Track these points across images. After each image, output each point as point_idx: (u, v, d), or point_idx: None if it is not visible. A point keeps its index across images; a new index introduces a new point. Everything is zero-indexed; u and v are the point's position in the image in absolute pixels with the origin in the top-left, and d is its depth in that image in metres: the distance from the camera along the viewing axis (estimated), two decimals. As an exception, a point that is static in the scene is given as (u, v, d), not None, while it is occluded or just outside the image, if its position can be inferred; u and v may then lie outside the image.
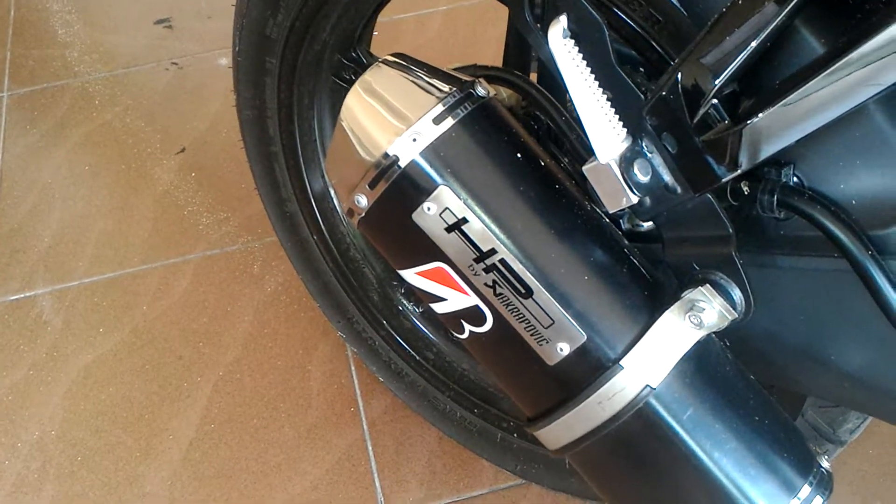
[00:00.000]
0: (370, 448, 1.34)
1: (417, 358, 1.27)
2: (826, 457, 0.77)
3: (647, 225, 0.79)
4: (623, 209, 0.71)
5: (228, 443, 1.35)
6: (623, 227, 0.81)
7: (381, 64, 0.75)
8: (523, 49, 0.91)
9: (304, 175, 1.18)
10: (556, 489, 1.23)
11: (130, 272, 1.56)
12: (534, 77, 0.88)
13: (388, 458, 1.33)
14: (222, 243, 1.60)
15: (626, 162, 0.66)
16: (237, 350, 1.45)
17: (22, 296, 1.53)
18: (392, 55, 0.76)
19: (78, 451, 1.35)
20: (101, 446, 1.35)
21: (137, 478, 1.32)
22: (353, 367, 1.43)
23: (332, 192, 1.17)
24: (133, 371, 1.44)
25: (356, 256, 1.25)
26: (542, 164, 0.73)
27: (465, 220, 0.70)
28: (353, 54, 1.04)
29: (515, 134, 0.73)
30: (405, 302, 1.26)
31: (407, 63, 0.75)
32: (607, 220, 0.75)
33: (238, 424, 1.37)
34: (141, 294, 1.53)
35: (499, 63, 0.92)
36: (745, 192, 0.70)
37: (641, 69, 0.76)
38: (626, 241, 0.76)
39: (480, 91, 0.73)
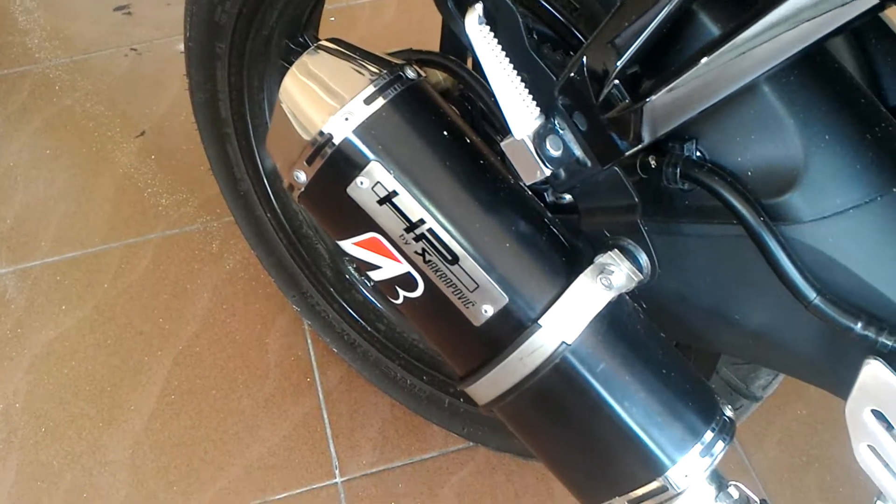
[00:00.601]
0: (325, 416, 1.40)
1: (369, 329, 1.33)
2: (733, 408, 0.85)
3: (568, 198, 0.85)
4: (539, 181, 0.78)
5: (189, 413, 1.40)
6: (547, 200, 0.87)
7: (317, 48, 0.81)
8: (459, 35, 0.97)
9: (256, 155, 1.23)
10: (500, 450, 1.30)
11: (92, 252, 1.61)
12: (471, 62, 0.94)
13: (343, 425, 1.39)
14: (181, 223, 1.64)
15: (540, 138, 0.72)
16: (196, 325, 1.51)
17: (-15, 275, 1.57)
18: (329, 40, 0.82)
19: (42, 422, 1.39)
20: (65, 418, 1.40)
21: (100, 447, 1.37)
22: (309, 341, 1.48)
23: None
24: (95, 346, 1.48)
25: (308, 233, 1.30)
26: (469, 141, 0.79)
27: (395, 193, 0.76)
28: (300, 39, 1.10)
29: (443, 114, 0.79)
30: (356, 276, 1.32)
31: (342, 47, 0.81)
32: (530, 193, 0.82)
33: (198, 395, 1.42)
34: (102, 272, 1.58)
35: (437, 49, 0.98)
36: (653, 166, 0.76)
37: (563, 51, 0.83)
38: (549, 213, 0.82)
39: (410, 74, 0.79)
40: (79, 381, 1.45)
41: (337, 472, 1.35)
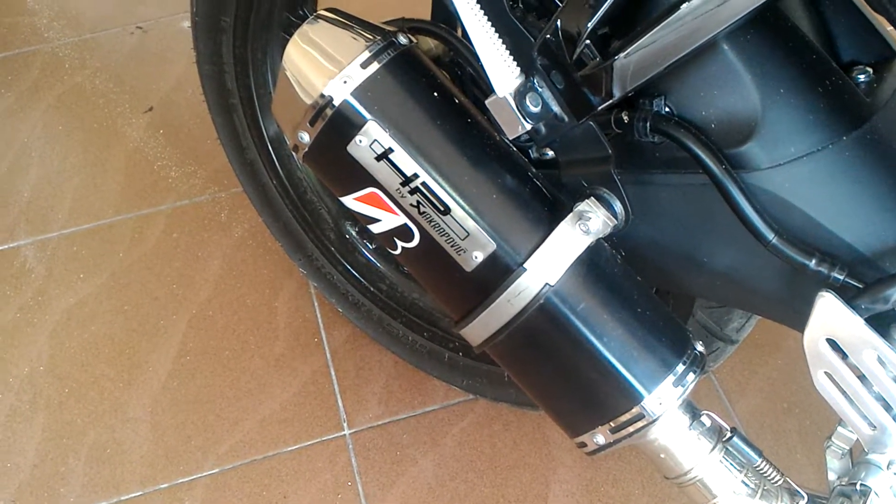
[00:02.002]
0: (333, 373, 1.48)
1: (372, 289, 1.40)
2: (710, 351, 0.92)
3: (550, 154, 0.92)
4: (521, 137, 0.85)
5: (203, 372, 1.48)
6: (532, 156, 0.94)
7: (317, 17, 0.87)
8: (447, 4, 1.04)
9: (261, 124, 1.30)
10: (497, 400, 1.38)
11: (106, 223, 1.68)
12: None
13: (350, 381, 1.47)
14: (191, 194, 1.71)
15: (520, 96, 0.79)
16: (208, 290, 1.58)
17: (6, 247, 1.65)
18: (327, 9, 0.89)
19: (65, 383, 1.47)
20: (87, 379, 1.48)
21: (121, 405, 1.45)
22: (315, 303, 1.56)
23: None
24: (113, 311, 1.56)
25: (313, 199, 1.37)
26: (457, 101, 0.86)
27: (391, 150, 0.83)
28: (300, 12, 1.16)
29: (433, 76, 0.86)
30: (359, 239, 1.39)
31: (340, 17, 0.88)
32: (515, 149, 0.89)
33: (211, 356, 1.50)
34: (117, 242, 1.65)
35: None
36: (625, 121, 0.83)
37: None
38: (532, 168, 0.89)
39: (402, 40, 0.86)
40: (99, 345, 1.52)
41: (345, 424, 1.42)
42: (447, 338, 1.36)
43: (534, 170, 0.88)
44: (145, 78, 1.91)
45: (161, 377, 1.48)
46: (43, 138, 1.81)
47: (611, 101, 0.77)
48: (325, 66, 0.83)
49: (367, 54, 0.83)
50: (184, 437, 1.41)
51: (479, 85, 0.97)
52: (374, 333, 1.44)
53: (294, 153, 0.90)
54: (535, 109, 0.80)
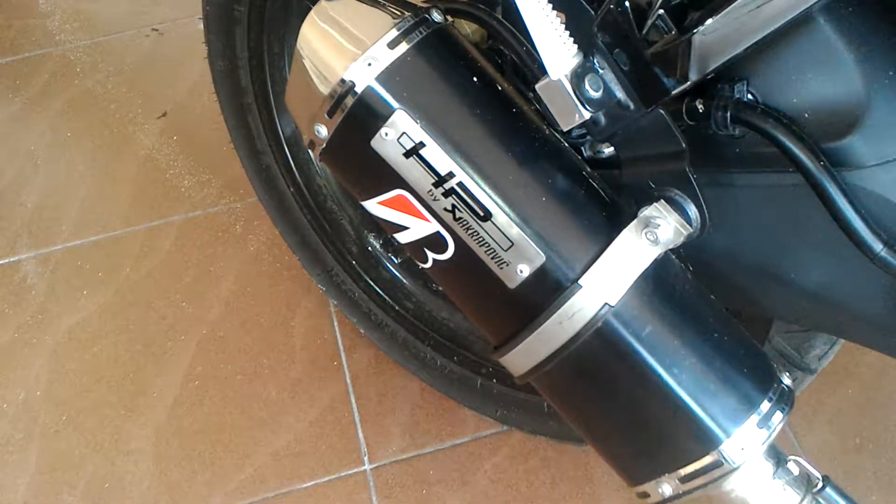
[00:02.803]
0: (353, 400, 1.35)
1: (397, 308, 1.28)
2: (791, 378, 0.78)
3: (608, 151, 0.79)
4: (576, 130, 0.72)
5: (212, 398, 1.36)
6: (585, 154, 0.81)
7: (337, -7, 0.75)
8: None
9: (278, 125, 1.19)
10: (535, 433, 1.24)
11: (113, 235, 1.57)
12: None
13: (372, 409, 1.34)
14: (204, 205, 1.60)
15: (578, 78, 0.66)
16: (220, 309, 1.46)
17: (6, 261, 1.54)
18: (349, -15, 0.77)
19: (63, 410, 1.36)
20: (87, 405, 1.36)
21: (122, 435, 1.33)
22: (335, 322, 1.44)
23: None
24: (117, 331, 1.45)
25: (333, 208, 1.25)
26: (500, 88, 0.74)
27: (422, 145, 0.70)
28: (321, -1, 1.04)
29: (472, 59, 0.74)
30: (383, 252, 1.27)
31: (363, -8, 0.75)
32: (567, 145, 0.76)
33: (222, 381, 1.38)
34: (124, 257, 1.54)
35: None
36: (701, 111, 0.70)
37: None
38: (587, 167, 0.76)
39: (436, 17, 0.73)
40: (100, 368, 1.41)
41: (366, 458, 1.30)
42: (479, 362, 1.23)
43: (588, 169, 0.75)
44: (159, 82, 1.81)
45: (166, 404, 1.36)
46: (50, 145, 1.71)
47: (686, 85, 0.65)
48: (345, 48, 0.71)
49: (394, 33, 0.71)
50: (189, 471, 1.28)
51: (524, 75, 0.85)
52: (398, 357, 1.32)
53: (310, 151, 0.78)
54: (594, 95, 0.67)
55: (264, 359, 1.40)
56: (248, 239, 1.55)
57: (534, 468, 1.27)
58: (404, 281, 1.27)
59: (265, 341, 1.42)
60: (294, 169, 1.22)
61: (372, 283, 1.28)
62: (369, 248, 1.26)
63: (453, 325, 1.25)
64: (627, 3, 0.63)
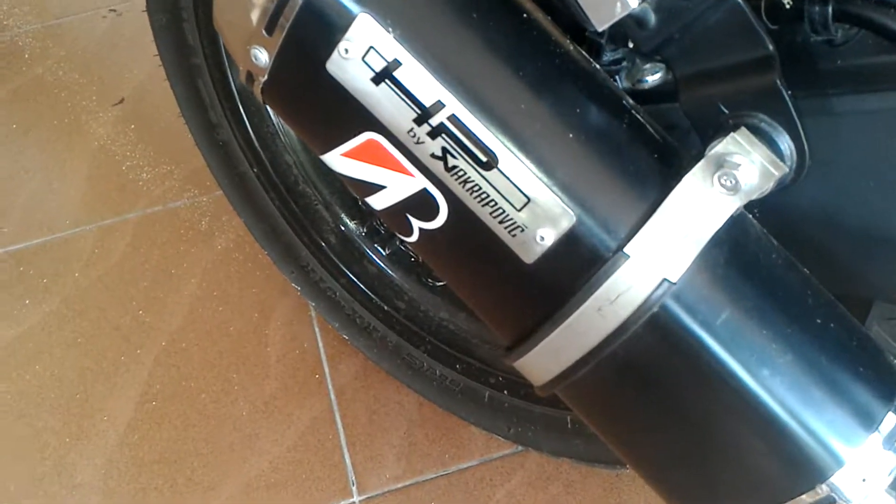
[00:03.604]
0: (338, 420, 1.15)
1: (386, 308, 1.08)
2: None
3: (653, 79, 0.59)
4: (608, 54, 0.51)
5: (173, 422, 1.16)
6: (622, 85, 0.61)
7: None
8: None
9: (235, 92, 0.98)
10: (557, 455, 1.03)
11: (61, 236, 1.37)
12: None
13: (360, 430, 1.14)
14: (165, 199, 1.40)
15: (619, -53, 0.46)
16: (182, 316, 1.26)
17: (-63, 268, 1.34)
18: None
19: (-2, 439, 1.16)
20: (27, 433, 1.16)
21: (67, 467, 1.13)
22: (317, 329, 1.23)
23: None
24: (63, 346, 1.25)
25: (306, 191, 1.05)
26: (505, -13, 0.53)
27: (397, 63, 0.50)
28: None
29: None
30: (368, 242, 1.06)
31: None
32: (597, 65, 0.55)
33: (184, 401, 1.18)
34: (73, 260, 1.34)
35: None
36: (787, 7, 0.50)
37: None
38: (627, 97, 0.55)
39: None
40: (43, 389, 1.21)
41: (354, 489, 1.09)
42: (487, 370, 1.04)
43: (629, 99, 0.55)
44: (117, 66, 1.62)
45: (119, 429, 1.16)
46: (-8, 139, 1.51)
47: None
48: (286, -70, 0.51)
49: None
50: (144, 508, 1.08)
51: None
52: (390, 367, 1.12)
53: (248, 86, 0.57)
54: (644, -26, 0.46)
55: (234, 373, 1.20)
56: (215, 236, 1.35)
57: (556, 496, 1.07)
58: (394, 276, 1.07)
59: (235, 353, 1.22)
60: (256, 144, 1.02)
61: (355, 280, 1.08)
62: (351, 238, 1.06)
63: (454, 326, 1.05)
64: None
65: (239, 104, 0.99)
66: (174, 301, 1.28)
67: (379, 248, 1.07)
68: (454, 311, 1.05)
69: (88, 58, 1.64)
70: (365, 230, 1.06)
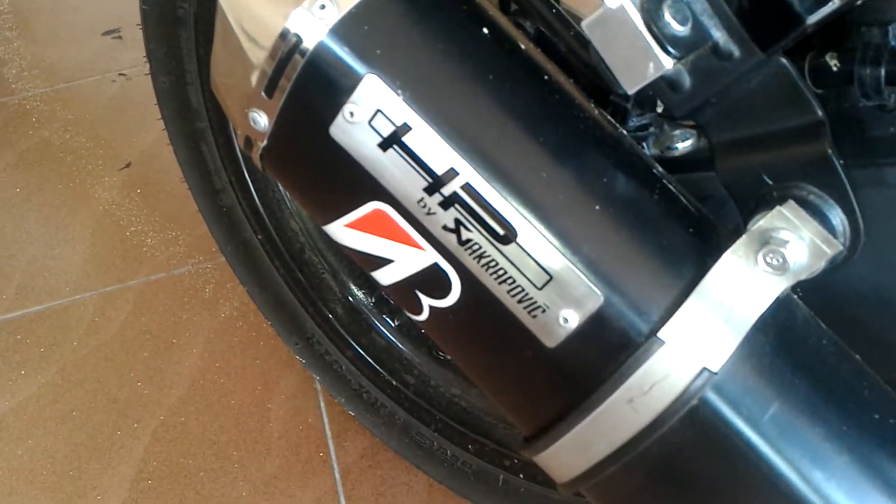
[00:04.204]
0: (343, 502, 1.08)
1: (395, 383, 1.02)
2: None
3: (683, 146, 0.54)
4: (633, 116, 0.47)
5: (169, 502, 1.09)
6: (650, 151, 0.56)
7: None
8: None
9: (240, 156, 0.94)
10: (577, 544, 0.96)
11: (61, 303, 1.33)
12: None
13: (366, 513, 1.07)
14: (169, 266, 1.36)
15: (652, 2, 0.41)
16: (182, 389, 1.20)
17: (-70, 336, 1.30)
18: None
19: (-17, 519, 1.09)
20: (13, 513, 1.10)
21: (55, 550, 1.06)
22: (322, 404, 1.17)
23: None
24: (57, 419, 1.19)
25: (312, 259, 1.00)
26: (522, 47, 0.49)
27: (407, 128, 0.45)
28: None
29: (477, 4, 0.49)
30: (377, 313, 1.01)
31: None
32: (624, 131, 0.51)
33: (181, 479, 1.11)
34: (72, 328, 1.29)
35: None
36: (835, 69, 0.45)
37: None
38: (658, 165, 0.51)
39: (425, -55, 0.49)
40: (35, 464, 1.15)
41: (359, 576, 1.02)
42: (502, 452, 0.96)
43: (659, 167, 0.50)
44: (124, 130, 1.59)
45: (111, 509, 1.09)
46: (-5, 203, 1.48)
47: (831, 9, 0.40)
48: (287, -14, 0.47)
49: (361, -38, 0.46)
50: None
51: (552, 46, 0.60)
52: (398, 446, 1.05)
53: (247, 152, 0.53)
54: (679, 31, 0.42)
55: (234, 450, 1.14)
56: (219, 304, 1.30)
57: (574, 588, 0.99)
58: (403, 348, 1.01)
59: (236, 428, 1.16)
60: (261, 210, 0.97)
61: (363, 353, 1.02)
62: (358, 308, 1.01)
63: (466, 404, 0.99)
64: None
65: (244, 169, 0.95)
66: (175, 372, 1.22)
67: (388, 319, 1.02)
68: (466, 387, 0.99)
69: (96, 122, 1.61)
70: (373, 300, 1.01)
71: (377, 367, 1.02)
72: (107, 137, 1.58)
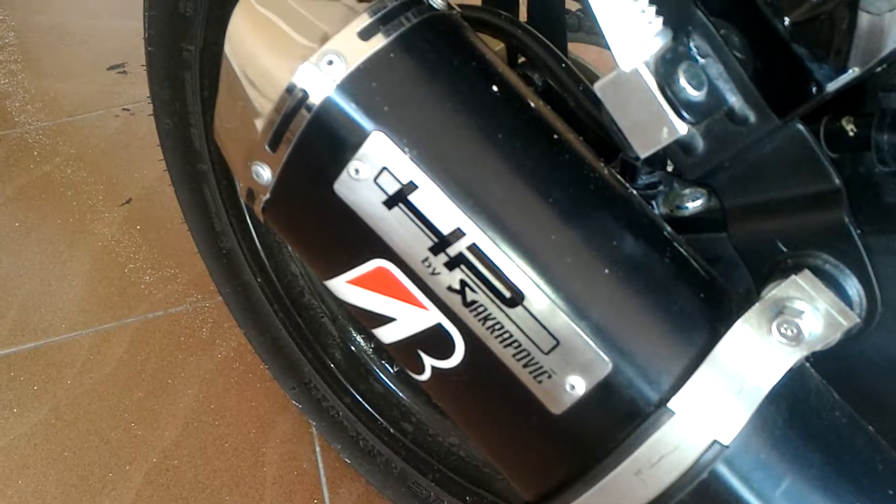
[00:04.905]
0: (337, 551, 1.06)
1: (392, 431, 1.00)
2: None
3: (693, 206, 0.54)
4: (641, 174, 0.46)
5: (159, 548, 1.07)
6: (659, 211, 0.55)
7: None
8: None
9: (242, 199, 0.93)
10: None
11: (56, 341, 1.31)
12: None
13: (361, 563, 1.05)
14: (167, 304, 1.34)
15: (667, 67, 0.41)
16: (176, 430, 1.18)
17: (-77, 372, 1.28)
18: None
19: (-31, 563, 1.07)
20: (-1, 556, 1.07)
21: None
22: (318, 449, 1.15)
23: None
24: (49, 459, 1.16)
25: (312, 303, 0.99)
26: (532, 105, 0.48)
27: (413, 186, 0.45)
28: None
29: (487, 61, 0.48)
30: (375, 359, 0.99)
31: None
32: (635, 191, 0.50)
33: (172, 524, 1.09)
34: (66, 366, 1.27)
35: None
36: (851, 134, 0.45)
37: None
38: (668, 226, 0.50)
39: (436, 1, 0.49)
40: (23, 506, 1.12)
41: None
42: (500, 504, 0.94)
43: (670, 229, 0.49)
44: (126, 166, 1.58)
45: (100, 555, 1.06)
46: (-7, 237, 1.47)
47: (850, 78, 0.39)
48: (294, 40, 0.46)
49: (367, 19, 0.46)
50: None
51: (561, 102, 0.60)
52: (394, 495, 1.03)
53: (249, 204, 0.52)
54: (694, 96, 0.41)
55: (227, 495, 1.11)
56: (216, 344, 1.28)
57: None
58: (402, 396, 1.00)
59: (229, 472, 1.14)
60: (262, 253, 0.96)
61: (360, 399, 1.00)
62: (357, 354, 0.99)
63: (465, 454, 0.97)
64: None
65: (245, 212, 0.94)
66: (169, 413, 1.20)
67: (387, 365, 1.00)
68: (465, 436, 0.97)
69: (98, 157, 1.61)
70: (373, 346, 1.00)
71: (375, 414, 1.01)
72: (108, 173, 1.57)
